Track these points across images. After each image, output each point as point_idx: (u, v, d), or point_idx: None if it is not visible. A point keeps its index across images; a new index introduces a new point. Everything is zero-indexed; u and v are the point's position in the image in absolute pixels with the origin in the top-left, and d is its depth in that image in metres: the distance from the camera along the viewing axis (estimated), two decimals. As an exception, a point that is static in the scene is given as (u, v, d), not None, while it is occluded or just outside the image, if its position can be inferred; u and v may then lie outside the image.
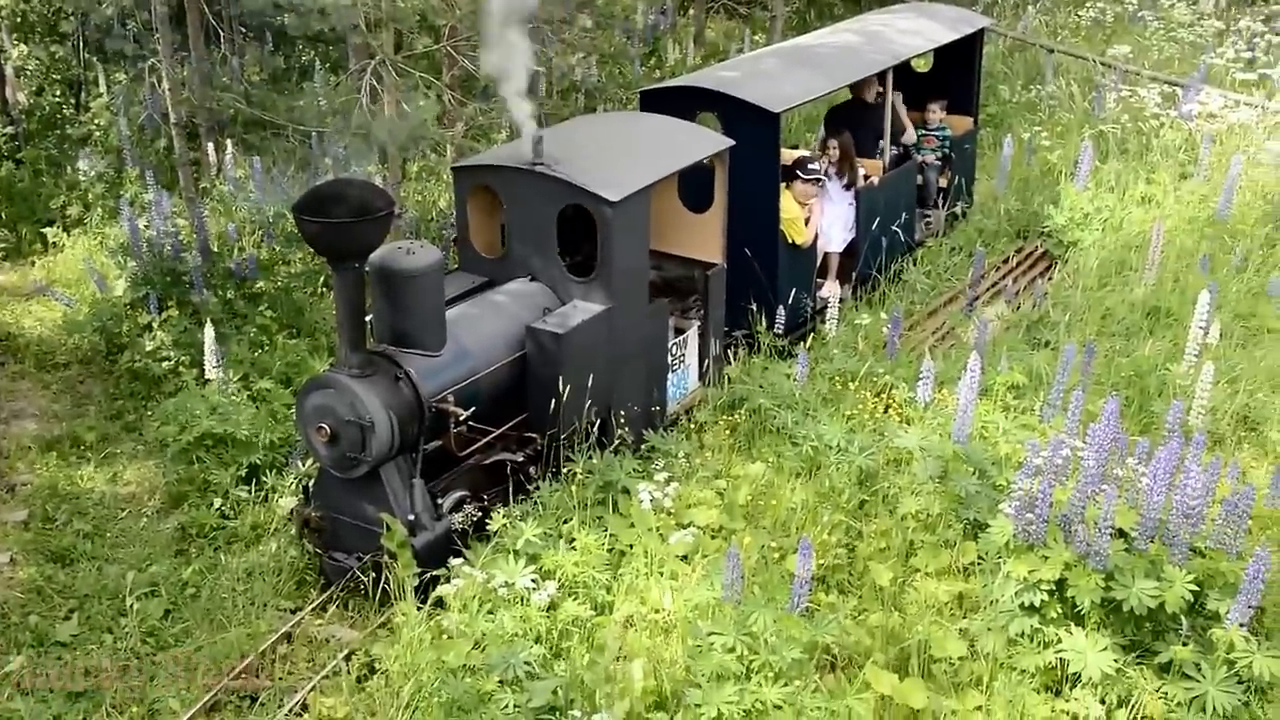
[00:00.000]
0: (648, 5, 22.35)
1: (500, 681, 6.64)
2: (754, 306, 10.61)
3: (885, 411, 9.22)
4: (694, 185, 10.08)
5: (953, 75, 14.02)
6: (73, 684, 7.61)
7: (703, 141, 9.87)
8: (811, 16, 24.47)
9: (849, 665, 7.06)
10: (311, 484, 8.44)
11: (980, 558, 7.47)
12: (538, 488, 8.31)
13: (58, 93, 18.51)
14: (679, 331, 9.89)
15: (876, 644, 7.07)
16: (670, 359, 9.64)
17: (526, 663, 6.77)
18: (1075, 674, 6.46)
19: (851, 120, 12.60)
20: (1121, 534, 6.74)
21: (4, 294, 14.08)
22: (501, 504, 8.21)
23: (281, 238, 13.51)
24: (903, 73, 13.10)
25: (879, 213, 12.12)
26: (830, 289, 11.74)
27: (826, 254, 11.83)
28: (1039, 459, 7.00)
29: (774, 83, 11.13)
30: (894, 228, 12.40)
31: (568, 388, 8.32)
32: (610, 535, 8.01)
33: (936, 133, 13.63)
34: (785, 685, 6.34)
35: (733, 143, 9.88)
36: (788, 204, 10.88)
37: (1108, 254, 12.65)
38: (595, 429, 8.77)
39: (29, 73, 19.23)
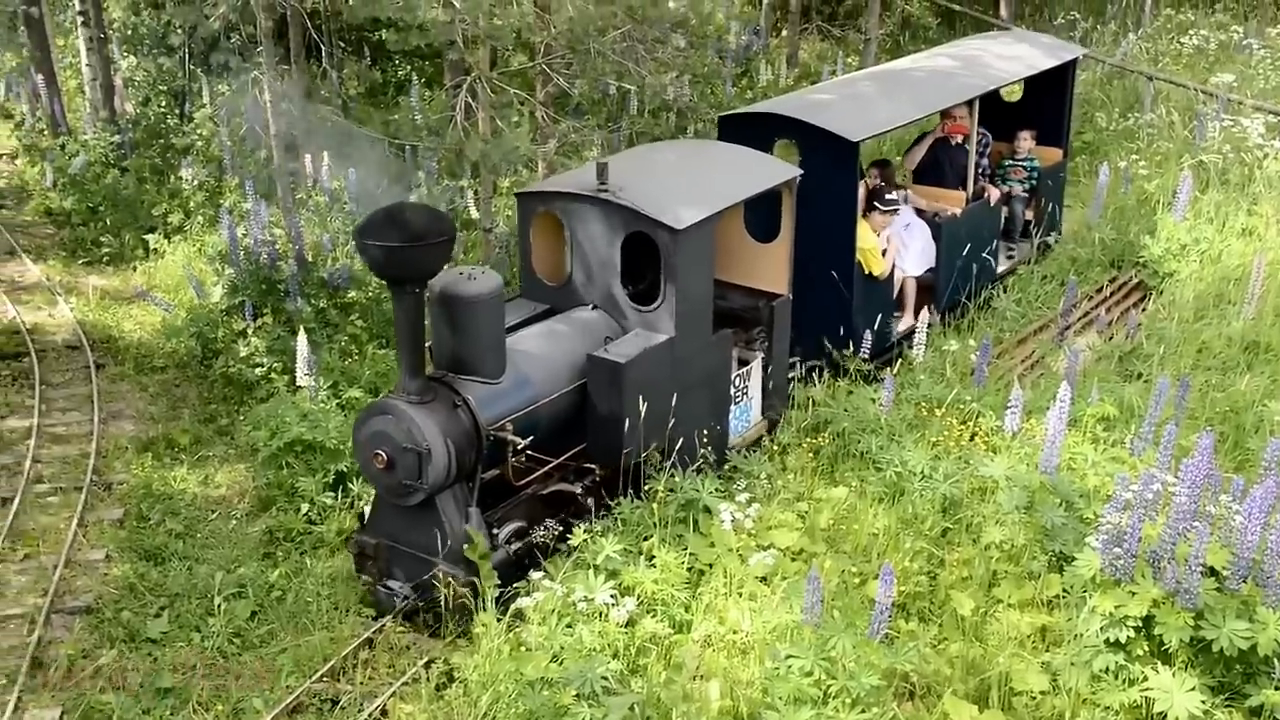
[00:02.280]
0: (741, 26, 22.40)
1: (577, 695, 6.66)
2: (829, 338, 10.51)
3: (971, 439, 9.12)
4: (761, 214, 9.90)
5: (1044, 105, 13.76)
6: (161, 680, 7.79)
7: (770, 170, 9.68)
8: (905, 39, 24.36)
9: (927, 694, 6.99)
10: (367, 511, 8.42)
11: (1065, 591, 7.35)
12: (601, 516, 8.26)
13: (163, 103, 19.01)
14: (742, 363, 9.70)
15: (956, 674, 7.00)
16: (733, 390, 9.47)
17: (604, 678, 6.79)
18: (1161, 713, 6.33)
19: (935, 151, 12.57)
20: (1213, 573, 6.60)
21: (106, 298, 14.48)
22: (557, 535, 8.16)
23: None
24: (993, 102, 12.90)
25: (960, 245, 11.92)
26: (908, 320, 11.61)
27: (904, 284, 11.72)
28: (1129, 493, 6.88)
29: (854, 110, 10.98)
30: (977, 258, 12.18)
31: (628, 419, 8.21)
32: (690, 554, 8.02)
33: (1024, 163, 13.42)
34: (863, 712, 6.29)
35: (800, 172, 9.71)
36: (864, 233, 10.73)
37: (1205, 286, 12.40)
38: (658, 461, 8.60)
39: (137, 84, 19.82)
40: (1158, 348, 10.96)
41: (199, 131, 17.19)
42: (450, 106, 13.99)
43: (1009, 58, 13.07)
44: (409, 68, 20.38)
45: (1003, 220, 13.05)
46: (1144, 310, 12.45)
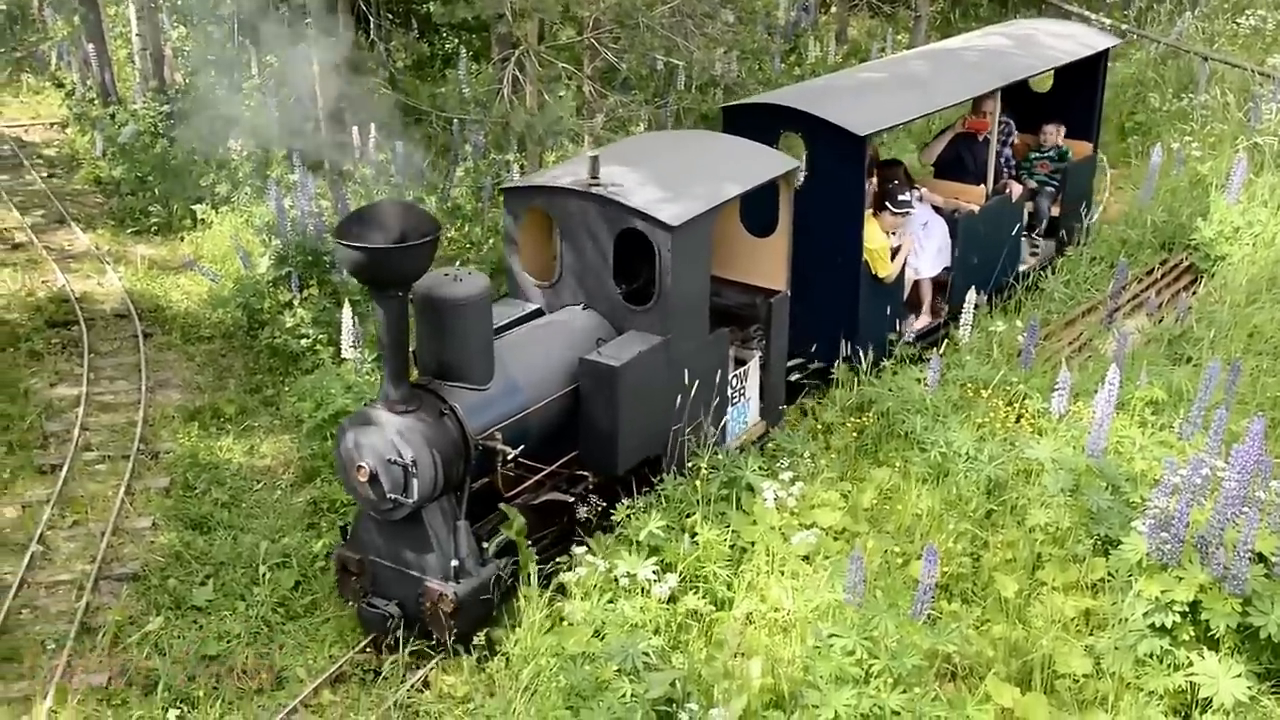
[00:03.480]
0: (790, 2, 22.22)
1: (619, 670, 6.68)
2: (833, 341, 10.11)
3: (1017, 421, 9.06)
4: (758, 207, 9.45)
5: (1074, 96, 13.19)
6: (206, 648, 7.89)
7: (768, 162, 9.22)
8: (956, 17, 24.09)
9: (969, 676, 6.97)
10: (350, 526, 7.98)
11: (1110, 575, 7.30)
12: (596, 526, 7.98)
13: (212, 74, 19.09)
14: (739, 362, 9.33)
15: (999, 656, 6.97)
16: (730, 391, 9.10)
17: (645, 653, 6.81)
18: (1206, 699, 6.28)
19: (956, 146, 12.08)
20: (1261, 559, 6.53)
21: (154, 267, 14.60)
22: (553, 547, 7.89)
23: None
24: (1021, 91, 12.39)
25: (978, 242, 11.45)
26: (924, 320, 11.20)
27: (918, 284, 11.23)
28: (1177, 477, 6.81)
29: (864, 102, 10.47)
30: (997, 255, 11.70)
31: (623, 424, 7.89)
32: (732, 531, 8.01)
33: (1050, 156, 12.85)
34: (904, 692, 6.27)
35: (798, 163, 9.33)
36: (872, 233, 10.21)
37: (1258, 270, 12.22)
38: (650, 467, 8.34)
39: (186, 54, 19.90)
40: (1208, 331, 10.82)
41: (247, 102, 17.25)
42: (497, 80, 13.98)
43: (1042, 46, 12.59)
44: (456, 40, 20.34)
45: (1026, 216, 12.52)
46: (1195, 294, 12.29)
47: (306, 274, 12.36)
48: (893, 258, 10.48)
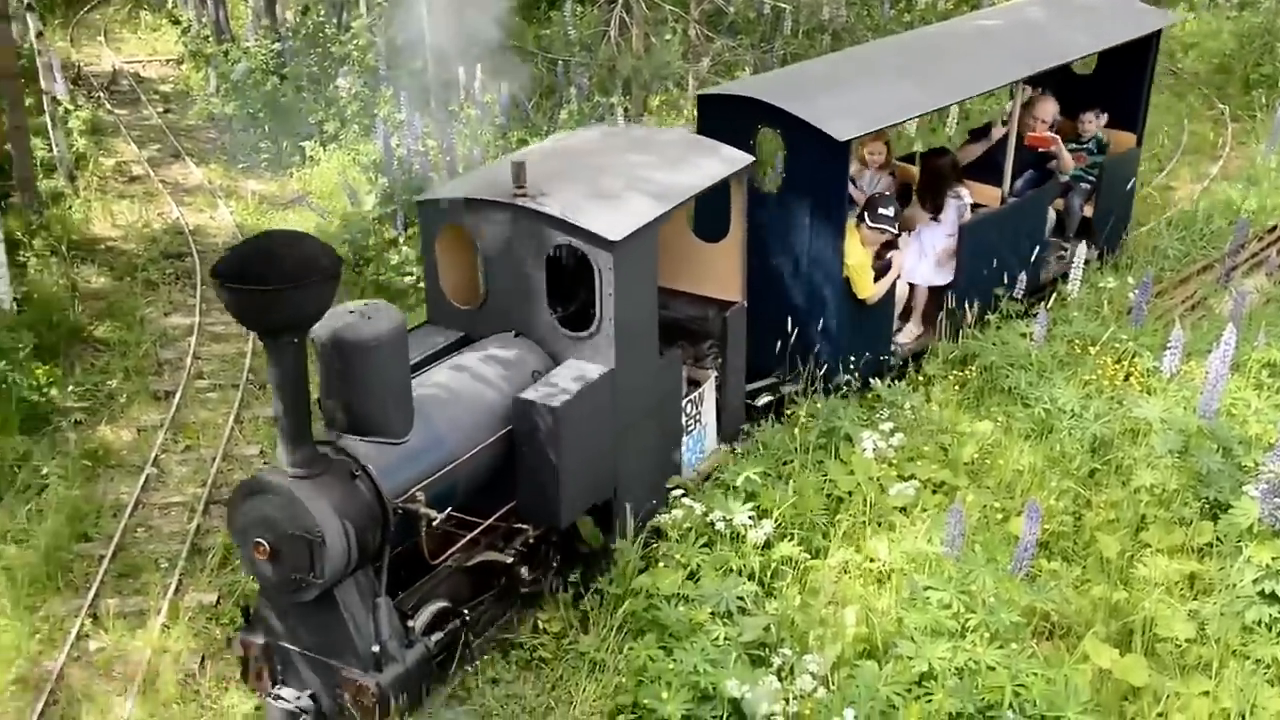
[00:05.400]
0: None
1: (712, 613, 6.73)
2: (805, 362, 8.97)
3: (1125, 379, 8.87)
4: (707, 210, 8.46)
5: (1118, 80, 11.52)
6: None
7: (717, 159, 8.08)
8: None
9: (1067, 635, 6.90)
10: (251, 606, 6.72)
11: (1218, 539, 7.15)
12: (539, 585, 7.22)
13: (322, 12, 19.30)
14: (693, 384, 8.22)
15: (1098, 616, 6.88)
16: (684, 419, 8.04)
17: (739, 597, 6.84)
18: (1314, 670, 6.15)
19: (997, 150, 10.47)
20: (1379, 528, 6.35)
21: (264, 202, 14.87)
22: (494, 613, 7.05)
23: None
24: (1060, 74, 10.82)
25: (988, 250, 10.01)
26: (911, 331, 10.00)
27: (913, 289, 9.94)
28: (1294, 442, 6.63)
29: (854, 97, 9.09)
30: (1012, 263, 10.25)
31: (564, 470, 6.83)
32: (829, 480, 7.98)
33: (1088, 147, 11.26)
34: (1000, 647, 6.22)
35: (751, 159, 8.21)
36: (853, 248, 8.89)
37: (1385, 230, 11.80)
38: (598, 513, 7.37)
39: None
40: (1332, 293, 10.50)
41: (356, 41, 17.43)
42: (604, 22, 13.94)
43: (1087, 21, 10.98)
44: (563, -18, 20.34)
45: (1053, 217, 10.94)
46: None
47: (411, 212, 12.48)
48: (881, 276, 9.23)
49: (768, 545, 7.40)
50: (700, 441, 8.30)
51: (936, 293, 9.95)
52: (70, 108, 16.72)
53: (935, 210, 9.96)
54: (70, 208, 14.03)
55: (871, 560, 7.35)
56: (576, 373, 7.03)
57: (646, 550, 7.45)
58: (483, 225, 7.25)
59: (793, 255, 8.89)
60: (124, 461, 9.52)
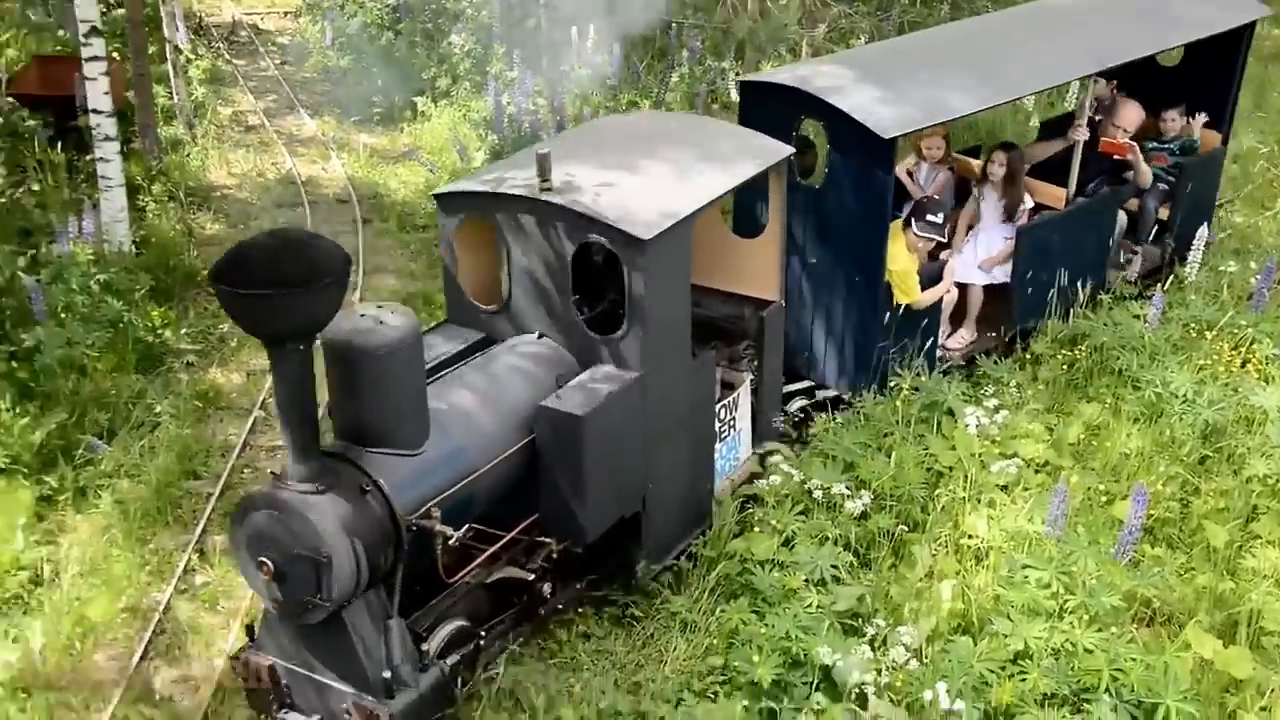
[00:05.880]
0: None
1: (806, 580, 6.72)
2: (844, 368, 8.63)
3: (1242, 366, 8.63)
4: (743, 203, 8.07)
5: (1205, 75, 10.67)
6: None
7: (756, 151, 7.57)
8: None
9: (1168, 623, 6.76)
10: (254, 625, 6.23)
11: (1333, 533, 6.95)
12: (563, 602, 6.88)
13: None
14: (727, 387, 7.76)
15: (1202, 606, 6.73)
16: (718, 424, 7.57)
17: (834, 566, 6.82)
18: None
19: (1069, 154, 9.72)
20: None
21: (375, 155, 15.05)
22: (512, 635, 6.64)
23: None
24: (1143, 66, 10.08)
25: (1048, 255, 9.45)
26: (962, 336, 9.51)
27: (967, 291, 9.47)
28: None
29: (904, 90, 8.45)
30: (1076, 270, 9.62)
31: (590, 482, 6.38)
32: (930, 454, 7.90)
33: (1169, 147, 10.50)
34: (1099, 631, 6.12)
35: (792, 151, 7.71)
36: (897, 251, 8.45)
37: None
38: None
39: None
40: None
41: (470, -2, 17.54)
42: (719, -16, 13.85)
43: (1173, 10, 10.22)
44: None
45: (1124, 218, 10.32)
46: None
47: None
48: (931, 284, 8.78)
49: (864, 516, 7.37)
50: (734, 449, 7.84)
51: (993, 297, 9.50)
52: (191, 57, 17.08)
53: (1010, 209, 9.46)
54: (188, 155, 14.34)
55: (969, 536, 7.26)
56: (604, 378, 6.59)
57: (742, 515, 7.46)
58: (505, 220, 6.82)
59: (833, 255, 8.41)
60: (233, 404, 9.74)
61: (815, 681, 6.11)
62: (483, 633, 6.28)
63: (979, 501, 7.54)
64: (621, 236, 6.41)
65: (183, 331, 10.55)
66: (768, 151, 7.57)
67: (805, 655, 6.18)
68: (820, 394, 8.73)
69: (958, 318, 9.48)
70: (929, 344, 8.90)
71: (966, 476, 7.70)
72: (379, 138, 15.81)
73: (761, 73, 9.83)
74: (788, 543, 7.13)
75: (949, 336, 9.41)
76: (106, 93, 10.98)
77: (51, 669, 6.78)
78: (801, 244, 8.26)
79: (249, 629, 6.22)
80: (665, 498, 7.04)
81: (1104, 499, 7.53)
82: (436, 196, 7.15)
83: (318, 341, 5.52)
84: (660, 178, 7.05)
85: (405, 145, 15.02)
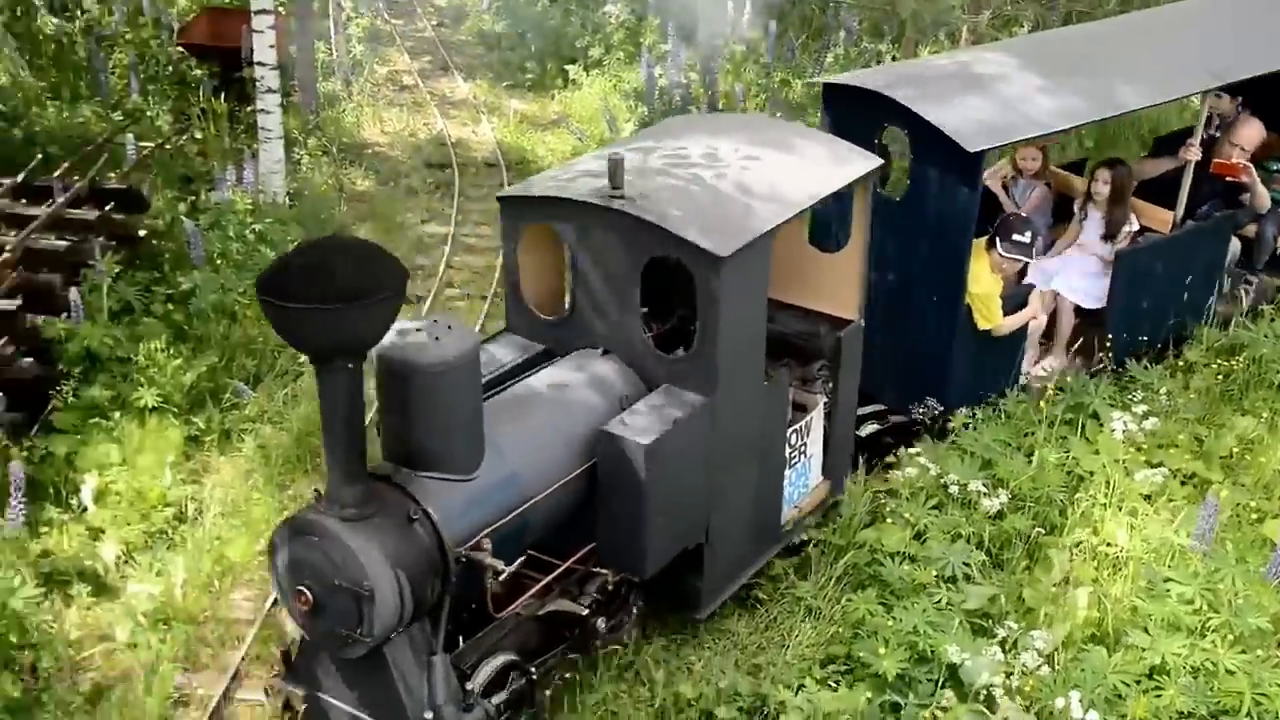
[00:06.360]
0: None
1: (937, 576, 6.60)
2: (915, 394, 8.08)
3: None
4: (823, 214, 7.57)
5: None
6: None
7: (844, 162, 7.01)
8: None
9: (1317, 651, 6.48)
10: (291, 651, 5.91)
11: None
12: (616, 636, 6.44)
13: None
14: (799, 409, 7.22)
15: (1357, 636, 6.44)
16: (788, 450, 7.07)
17: (966, 563, 6.69)
18: None
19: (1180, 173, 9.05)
20: None
21: (525, 121, 15.19)
22: (561, 672, 6.19)
23: (787, 104, 13.69)
24: (1268, 84, 9.21)
25: (1148, 281, 8.80)
26: (1050, 364, 8.87)
27: (1058, 310, 8.88)
28: None
29: (1003, 99, 7.92)
30: (1180, 297, 9.04)
31: (653, 514, 5.95)
32: (1072, 457, 7.69)
33: None
34: (1243, 652, 5.90)
35: (880, 162, 7.16)
36: (980, 273, 7.92)
37: None
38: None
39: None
40: None
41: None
42: (882, -37, 13.60)
43: None
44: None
45: (1238, 245, 9.60)
46: None
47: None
48: (1014, 309, 8.25)
49: (999, 515, 7.21)
50: (804, 476, 7.34)
51: (1085, 322, 8.90)
52: (352, 14, 17.41)
53: (1112, 230, 8.85)
54: (344, 111, 14.65)
55: (1109, 545, 7.06)
56: (671, 401, 6.13)
57: (873, 505, 7.36)
58: (573, 228, 6.35)
59: (909, 272, 7.93)
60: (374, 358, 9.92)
61: (940, 679, 6.00)
62: (533, 669, 5.85)
63: (1119, 509, 7.33)
64: (697, 252, 5.92)
65: (329, 284, 10.77)
66: (856, 162, 7.05)
67: (932, 652, 6.06)
68: (893, 419, 8.23)
69: (1047, 341, 8.95)
70: (1011, 366, 8.36)
71: (1109, 482, 7.48)
72: (530, 104, 15.94)
73: (846, 74, 9.28)
74: (919, 536, 7.01)
75: (1036, 363, 8.85)
76: (272, 46, 11.27)
77: (191, 604, 7.01)
78: (876, 258, 7.56)
79: (285, 656, 5.91)
80: (729, 528, 6.60)
81: (1254, 516, 7.24)
82: (501, 199, 6.68)
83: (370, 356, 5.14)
84: (741, 187, 6.48)
85: (555, 113, 15.12)
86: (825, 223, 7.65)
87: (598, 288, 6.41)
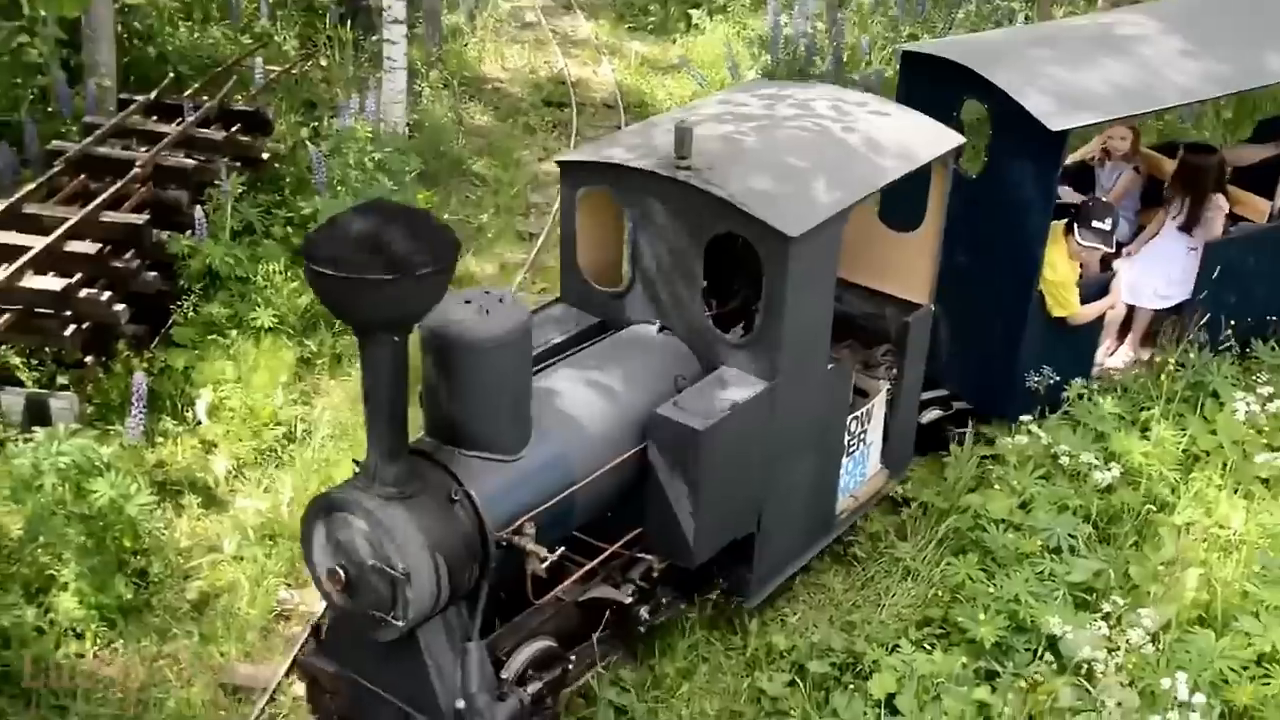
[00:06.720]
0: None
1: (1042, 546, 6.49)
2: (982, 383, 7.73)
3: None
4: (896, 192, 6.70)
5: None
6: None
7: (923, 139, 6.59)
8: None
9: None
10: (322, 626, 5.72)
11: None
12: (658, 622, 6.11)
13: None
14: (860, 394, 6.84)
15: None
16: (848, 437, 6.72)
17: (1072, 535, 6.57)
18: None
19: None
20: None
21: (645, 64, 15.11)
22: (600, 659, 5.88)
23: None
24: None
25: (1237, 275, 8.20)
26: (1126, 355, 8.41)
27: (1134, 309, 8.37)
28: None
29: (1096, 74, 7.37)
30: (1272, 293, 8.45)
31: (706, 502, 5.68)
32: (1188, 435, 7.49)
33: None
34: (1358, 646, 5.73)
35: (961, 140, 6.79)
36: (1056, 258, 7.47)
37: None
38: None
39: None
40: None
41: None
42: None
43: None
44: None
45: None
46: None
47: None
48: (1095, 296, 7.84)
49: (1109, 489, 7.05)
50: (861, 465, 7.01)
51: (1164, 313, 8.41)
52: (479, -51, 17.42)
53: (1190, 221, 8.34)
54: (466, 45, 14.69)
55: (1221, 527, 6.89)
56: (729, 385, 5.81)
57: (979, 470, 7.26)
58: (634, 197, 6.02)
59: (981, 255, 7.47)
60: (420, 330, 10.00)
61: (1039, 649, 5.92)
62: (571, 656, 5.62)
63: (1235, 491, 7.14)
64: (765, 230, 5.58)
65: (445, 216, 10.87)
66: (936, 139, 6.63)
67: (1032, 621, 5.99)
68: (956, 405, 7.86)
69: (1121, 332, 8.44)
70: (1085, 356, 7.96)
71: (1225, 464, 7.29)
72: (651, 46, 15.84)
73: (924, 42, 8.81)
74: (1024, 505, 6.89)
75: (1111, 354, 8.41)
76: (400, -24, 11.31)
77: (296, 522, 7.12)
78: (951, 237, 7.08)
79: (315, 630, 5.79)
80: (782, 517, 6.29)
81: (1382, 508, 7.01)
82: (561, 163, 6.38)
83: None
84: (815, 162, 6.10)
85: (677, 57, 14.99)
86: (898, 199, 6.96)
87: (658, 261, 6.11)
